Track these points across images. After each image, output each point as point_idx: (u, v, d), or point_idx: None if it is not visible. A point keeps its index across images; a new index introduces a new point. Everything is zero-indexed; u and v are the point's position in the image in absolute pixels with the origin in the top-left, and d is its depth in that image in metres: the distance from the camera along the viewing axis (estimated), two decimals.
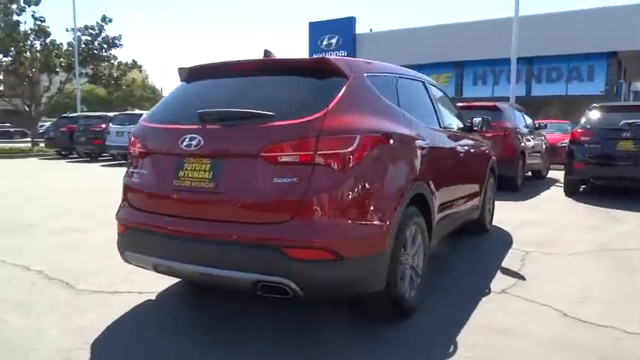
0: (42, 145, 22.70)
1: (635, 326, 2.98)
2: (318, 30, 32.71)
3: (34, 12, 26.86)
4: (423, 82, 4.05)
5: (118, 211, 3.11)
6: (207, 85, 3.11)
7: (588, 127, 8.16)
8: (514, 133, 9.02)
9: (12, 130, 41.38)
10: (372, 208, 2.67)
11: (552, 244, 5.02)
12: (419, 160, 3.24)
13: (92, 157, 17.71)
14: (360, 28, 32.03)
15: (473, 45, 25.71)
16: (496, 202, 5.91)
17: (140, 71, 48.21)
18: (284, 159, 2.52)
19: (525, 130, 9.89)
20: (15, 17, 26.11)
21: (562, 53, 23.92)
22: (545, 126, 11.06)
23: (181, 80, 3.33)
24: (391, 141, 2.89)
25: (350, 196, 2.56)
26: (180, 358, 2.64)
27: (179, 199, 2.75)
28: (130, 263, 3.04)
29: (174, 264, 2.73)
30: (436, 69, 28.04)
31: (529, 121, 10.58)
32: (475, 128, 4.84)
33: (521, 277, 3.98)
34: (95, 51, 28.96)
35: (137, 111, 16.83)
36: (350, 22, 32.02)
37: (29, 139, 27.23)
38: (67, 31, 27.58)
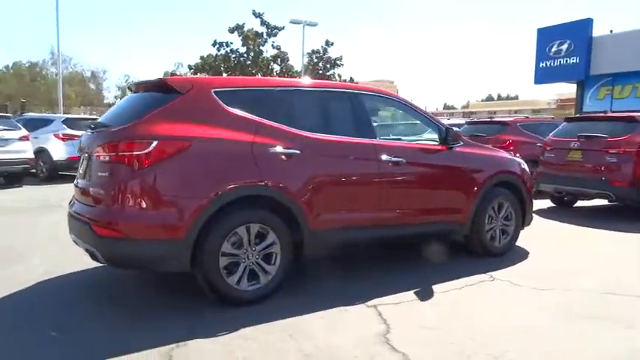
0: None
1: None
2: (546, 36, 29.48)
3: (273, 42, 32.45)
4: (349, 95, 4.15)
5: None
6: (124, 99, 4.08)
7: None
8: None
9: None
10: (166, 200, 3.21)
11: (549, 278, 4.22)
12: (270, 166, 3.52)
13: None
14: (596, 31, 27.75)
15: None
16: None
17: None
18: (103, 158, 3.32)
19: None
20: (259, 47, 32.04)
21: None
22: None
23: None
24: (206, 146, 3.33)
25: (142, 190, 3.18)
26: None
27: (77, 187, 3.80)
28: None
29: (71, 235, 3.77)
30: None
31: None
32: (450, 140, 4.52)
33: (423, 299, 3.70)
34: (320, 71, 33.10)
35: None
36: (585, 24, 27.87)
37: None
38: (304, 55, 32.15)
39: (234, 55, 32.41)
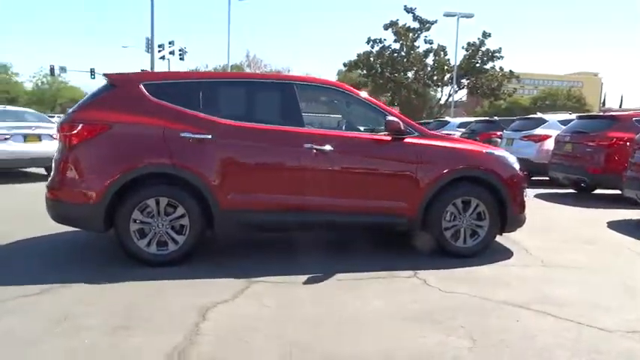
0: None
1: None
2: None
3: (425, 36, 31.90)
4: (277, 85, 4.44)
5: None
6: None
7: None
8: None
9: None
10: (86, 172, 3.98)
11: (476, 284, 3.83)
12: (179, 148, 4.01)
13: None
14: None
15: None
16: None
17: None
18: (58, 138, 4.23)
19: None
20: (412, 43, 31.86)
21: None
22: None
23: None
24: (123, 129, 3.99)
25: (69, 163, 3.99)
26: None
27: None
28: None
29: None
30: None
31: None
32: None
33: (309, 283, 3.79)
34: (477, 64, 31.40)
35: (538, 115, 12.41)
36: None
37: None
38: (462, 48, 31.07)
39: (387, 52, 32.86)
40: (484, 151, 4.77)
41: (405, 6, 31.19)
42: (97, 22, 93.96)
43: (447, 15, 29.28)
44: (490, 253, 4.70)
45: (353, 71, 34.54)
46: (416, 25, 31.56)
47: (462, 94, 33.65)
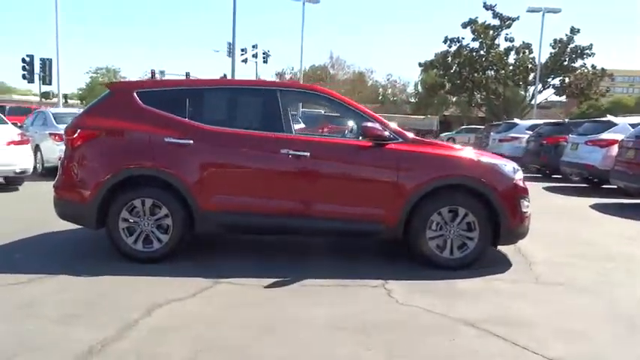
0: None
1: None
2: None
3: (506, 34, 30.17)
4: (262, 92, 4.55)
5: None
6: None
7: None
8: None
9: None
10: (81, 173, 4.37)
11: (446, 298, 3.67)
12: (163, 152, 4.27)
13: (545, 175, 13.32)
14: None
15: None
16: None
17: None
18: (64, 141, 4.68)
19: None
20: (492, 41, 30.33)
21: None
22: None
23: None
24: (112, 134, 4.33)
25: (69, 165, 4.40)
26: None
27: None
28: None
29: None
30: None
31: None
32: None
33: (271, 288, 3.85)
34: (564, 62, 29.17)
35: (608, 117, 11.10)
36: None
37: None
38: (549, 46, 29.07)
39: (465, 51, 31.64)
40: (475, 158, 4.51)
41: (485, 3, 29.85)
42: (193, 28, 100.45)
43: (531, 11, 27.46)
44: (485, 265, 4.45)
45: (429, 71, 33.67)
46: (496, 22, 30.10)
47: (547, 94, 31.46)
